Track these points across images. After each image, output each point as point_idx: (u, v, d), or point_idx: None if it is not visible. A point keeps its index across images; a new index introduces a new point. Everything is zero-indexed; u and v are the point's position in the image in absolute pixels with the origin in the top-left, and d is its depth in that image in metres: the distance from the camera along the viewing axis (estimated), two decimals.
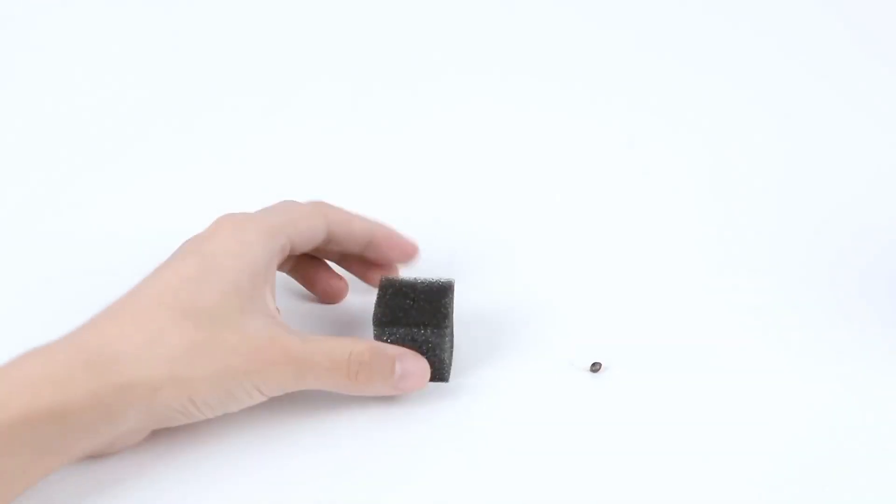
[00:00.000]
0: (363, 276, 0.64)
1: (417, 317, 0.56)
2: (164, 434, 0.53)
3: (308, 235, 0.58)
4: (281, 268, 0.62)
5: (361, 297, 0.64)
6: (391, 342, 0.56)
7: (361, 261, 0.63)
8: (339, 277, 0.64)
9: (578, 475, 0.53)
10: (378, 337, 0.56)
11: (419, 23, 0.85)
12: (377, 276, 0.61)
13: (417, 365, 0.56)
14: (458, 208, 0.73)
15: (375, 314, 0.56)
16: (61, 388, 0.47)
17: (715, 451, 0.54)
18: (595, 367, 0.59)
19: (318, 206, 0.59)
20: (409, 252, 0.62)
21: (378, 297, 0.57)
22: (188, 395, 0.51)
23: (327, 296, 0.64)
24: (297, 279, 0.65)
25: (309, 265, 0.64)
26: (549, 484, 0.53)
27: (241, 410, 0.53)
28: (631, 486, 0.53)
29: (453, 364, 0.59)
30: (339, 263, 0.64)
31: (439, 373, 0.57)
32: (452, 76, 0.83)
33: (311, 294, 0.65)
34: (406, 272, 0.63)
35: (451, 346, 0.59)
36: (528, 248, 0.69)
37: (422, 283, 0.58)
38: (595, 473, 0.53)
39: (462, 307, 0.61)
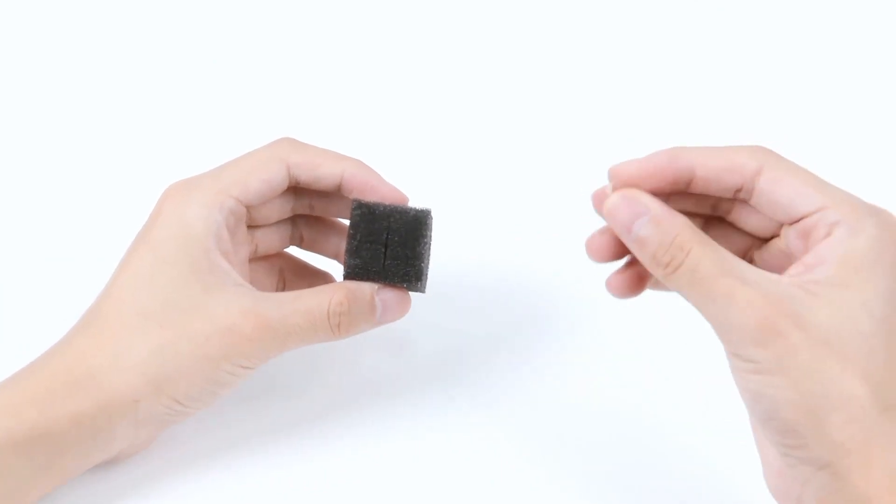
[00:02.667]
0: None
1: (392, 267, 0.53)
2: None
3: (263, 189, 0.53)
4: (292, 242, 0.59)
5: None
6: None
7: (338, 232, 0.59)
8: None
9: (578, 475, 0.53)
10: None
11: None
12: None
13: (396, 295, 0.53)
14: (456, 207, 0.73)
15: (347, 263, 0.53)
16: (42, 408, 0.47)
17: (715, 450, 0.55)
18: None
19: (278, 150, 0.54)
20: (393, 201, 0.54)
21: (349, 236, 0.53)
22: (170, 397, 0.50)
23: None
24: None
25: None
26: (549, 484, 0.53)
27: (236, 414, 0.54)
28: (631, 486, 0.53)
29: (454, 367, 0.60)
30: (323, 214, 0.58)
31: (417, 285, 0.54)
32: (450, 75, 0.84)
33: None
34: None
35: (427, 257, 0.54)
36: (526, 247, 0.70)
37: (397, 213, 0.53)
38: (595, 474, 0.53)
39: (460, 306, 0.61)
